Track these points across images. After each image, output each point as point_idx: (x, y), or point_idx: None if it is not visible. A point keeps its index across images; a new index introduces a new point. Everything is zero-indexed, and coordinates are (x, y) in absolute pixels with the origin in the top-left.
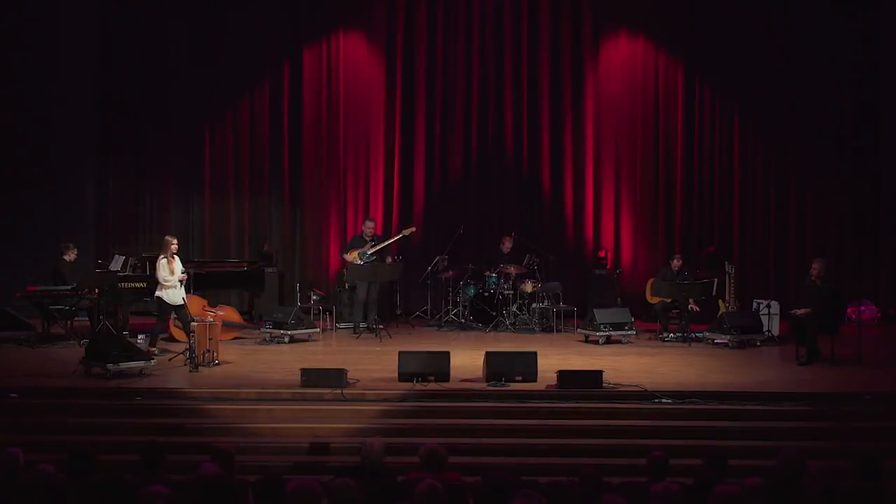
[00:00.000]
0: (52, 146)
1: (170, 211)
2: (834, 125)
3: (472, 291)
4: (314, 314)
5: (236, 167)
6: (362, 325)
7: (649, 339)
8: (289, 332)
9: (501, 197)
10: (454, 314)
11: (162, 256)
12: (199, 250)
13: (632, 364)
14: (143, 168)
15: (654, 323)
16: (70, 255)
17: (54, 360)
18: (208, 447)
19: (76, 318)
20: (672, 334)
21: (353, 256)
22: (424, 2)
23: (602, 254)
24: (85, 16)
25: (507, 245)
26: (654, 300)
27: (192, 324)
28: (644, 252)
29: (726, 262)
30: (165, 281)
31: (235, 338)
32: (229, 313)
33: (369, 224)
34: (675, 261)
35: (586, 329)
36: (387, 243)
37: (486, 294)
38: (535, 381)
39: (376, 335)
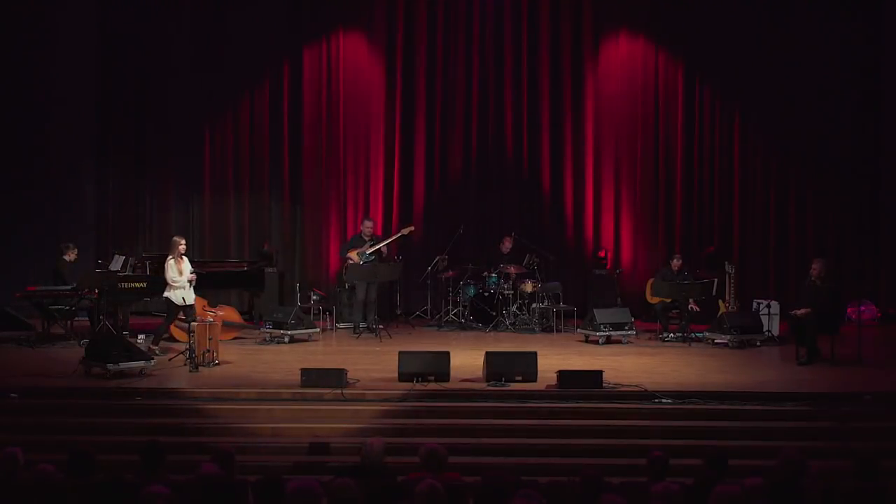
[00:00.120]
0: (52, 146)
1: (170, 211)
2: (834, 125)
3: (472, 291)
4: (314, 314)
5: (236, 167)
6: (362, 325)
7: (649, 339)
8: (289, 332)
9: (501, 197)
10: (454, 314)
11: (170, 257)
12: (199, 250)
13: (632, 364)
14: (143, 168)
15: (654, 323)
16: (70, 255)
17: (54, 360)
18: (208, 447)
19: (76, 318)
20: (672, 334)
21: (354, 256)
22: (424, 2)
23: (602, 254)
24: (85, 16)
25: (506, 245)
26: (654, 300)
27: (192, 324)
28: (644, 252)
29: (726, 262)
30: (174, 281)
31: (235, 338)
32: (229, 313)
33: (368, 224)
34: (675, 261)
35: (586, 329)
36: (385, 242)
37: (486, 294)
38: (535, 381)
39: (376, 335)
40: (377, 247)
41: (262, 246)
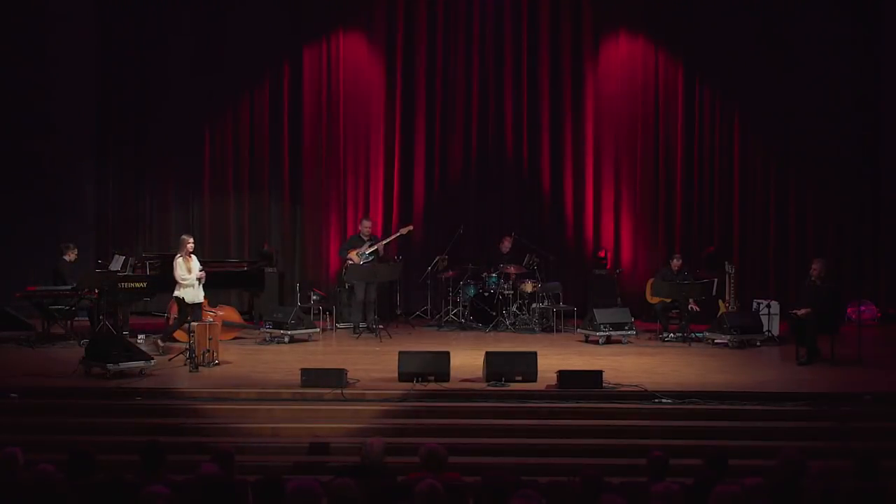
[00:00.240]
0: (52, 146)
1: (170, 211)
2: (834, 125)
3: (472, 291)
4: (314, 314)
5: (236, 167)
6: (362, 325)
7: (649, 339)
8: (289, 332)
9: (501, 197)
10: (454, 314)
11: (178, 255)
12: (199, 250)
13: (632, 364)
14: (143, 168)
15: (654, 323)
16: (70, 255)
17: (54, 360)
18: (208, 447)
19: (76, 318)
20: (672, 334)
21: (353, 256)
22: (424, 2)
23: (602, 254)
24: (85, 16)
25: (506, 245)
26: (654, 300)
27: (193, 324)
28: (644, 252)
29: (726, 262)
30: (183, 280)
31: (235, 338)
32: (229, 313)
33: (366, 224)
34: (674, 261)
35: (586, 329)
36: (384, 242)
37: (486, 294)
38: (535, 381)
39: (376, 335)
40: (375, 246)
41: (262, 246)
